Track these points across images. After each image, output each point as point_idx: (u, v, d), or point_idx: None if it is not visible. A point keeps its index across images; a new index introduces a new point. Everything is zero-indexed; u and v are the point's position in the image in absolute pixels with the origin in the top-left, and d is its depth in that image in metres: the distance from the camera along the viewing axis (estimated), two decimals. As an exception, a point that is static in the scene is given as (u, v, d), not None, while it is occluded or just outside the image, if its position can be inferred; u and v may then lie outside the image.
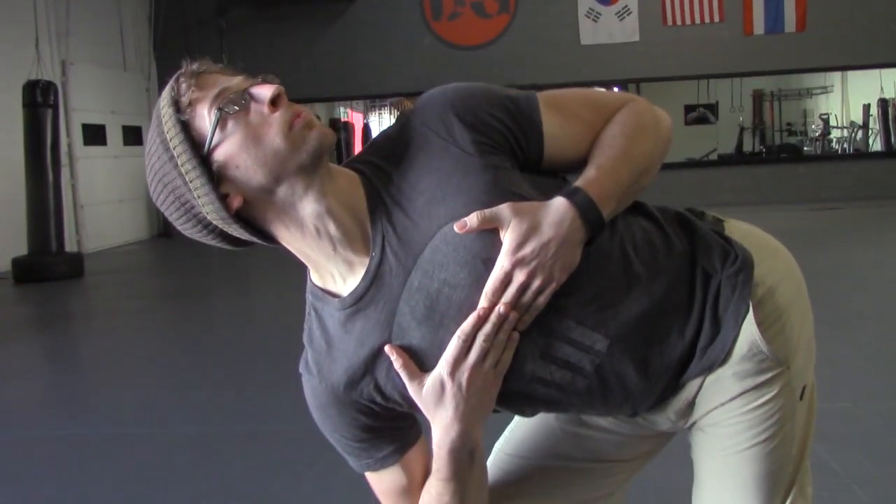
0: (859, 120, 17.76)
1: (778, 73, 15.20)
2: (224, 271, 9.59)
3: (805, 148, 18.84)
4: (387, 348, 1.16)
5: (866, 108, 17.19)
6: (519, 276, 1.12)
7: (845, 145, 18.07)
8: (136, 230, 13.04)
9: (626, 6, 13.40)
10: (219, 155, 1.10)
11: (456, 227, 1.11)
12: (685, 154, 14.86)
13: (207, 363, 5.17)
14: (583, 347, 1.18)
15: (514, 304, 1.12)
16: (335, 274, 1.19)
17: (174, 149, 1.11)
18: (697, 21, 13.30)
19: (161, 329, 6.51)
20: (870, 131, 17.41)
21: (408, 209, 1.15)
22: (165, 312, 7.22)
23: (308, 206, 1.13)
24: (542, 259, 1.12)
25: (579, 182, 1.17)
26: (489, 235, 1.12)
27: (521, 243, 1.11)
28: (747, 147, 18.69)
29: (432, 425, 1.20)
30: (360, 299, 1.17)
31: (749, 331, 1.23)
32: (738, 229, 1.35)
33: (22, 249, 9.17)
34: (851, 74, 17.63)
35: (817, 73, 18.02)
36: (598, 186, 1.16)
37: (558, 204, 1.14)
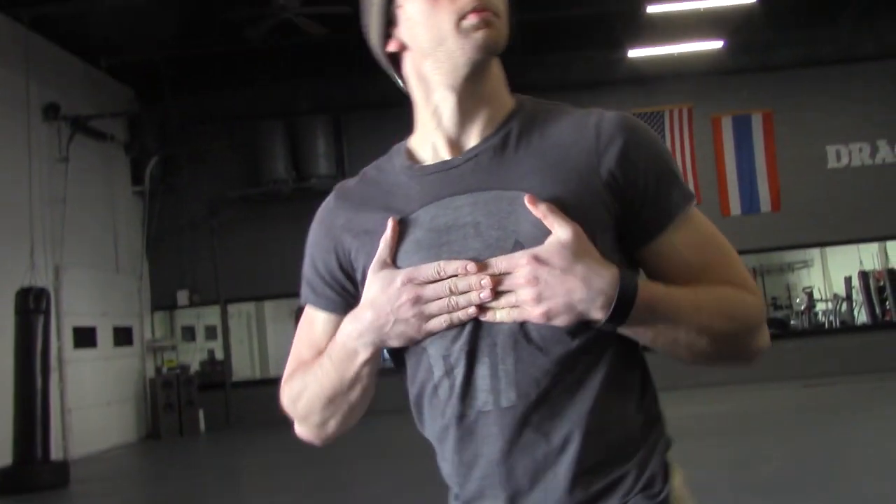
0: (842, 292, 17.99)
1: (757, 252, 15.54)
2: (214, 477, 9.32)
3: (792, 322, 18.97)
4: (390, 220, 1.21)
5: (848, 280, 17.46)
6: (520, 276, 1.12)
7: (831, 317, 18.20)
8: (124, 432, 12.78)
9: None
10: (400, 2, 1.21)
11: (527, 199, 1.14)
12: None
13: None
14: (494, 387, 1.16)
15: (497, 289, 1.13)
16: (424, 143, 1.28)
17: None
18: (676, 204, 13.70)
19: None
20: (854, 303, 17.61)
21: (520, 154, 1.20)
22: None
23: (441, 88, 1.23)
24: (550, 283, 1.10)
25: (643, 279, 1.17)
26: (541, 232, 1.13)
27: (553, 257, 1.11)
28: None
29: (356, 307, 1.24)
30: (423, 176, 1.24)
31: None
32: (680, 477, 1.24)
33: (6, 458, 8.93)
34: (830, 248, 18.03)
35: (797, 249, 18.42)
36: (651, 296, 1.13)
37: (611, 270, 1.12)
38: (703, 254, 1.22)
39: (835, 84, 13.98)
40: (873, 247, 16.66)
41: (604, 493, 1.17)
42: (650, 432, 1.22)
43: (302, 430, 1.37)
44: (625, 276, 1.12)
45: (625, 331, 1.15)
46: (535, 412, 1.15)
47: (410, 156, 1.28)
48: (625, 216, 1.18)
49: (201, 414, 13.50)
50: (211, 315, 15.51)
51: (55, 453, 9.76)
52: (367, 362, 1.24)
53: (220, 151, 14.20)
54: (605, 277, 1.11)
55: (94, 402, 11.94)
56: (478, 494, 1.22)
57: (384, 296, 1.17)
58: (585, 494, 1.16)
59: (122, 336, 13.12)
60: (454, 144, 1.24)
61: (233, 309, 15.42)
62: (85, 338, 12.05)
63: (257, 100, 14.28)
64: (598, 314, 1.11)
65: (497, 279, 1.13)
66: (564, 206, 1.14)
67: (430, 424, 1.26)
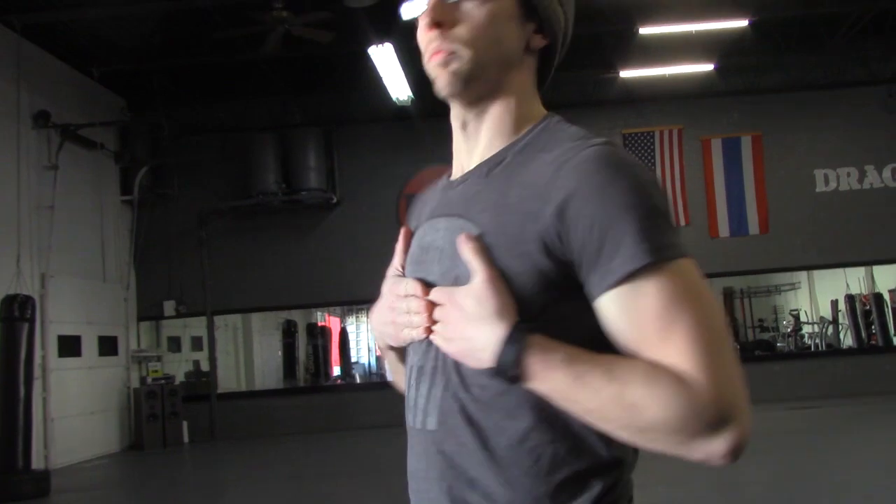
0: (828, 315, 18.08)
1: (745, 274, 15.60)
2: (197, 486, 9.25)
3: (778, 343, 19.03)
4: (402, 229, 1.33)
5: (834, 303, 17.54)
6: (439, 311, 1.15)
7: (817, 340, 18.28)
8: (107, 443, 12.68)
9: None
10: None
11: (461, 237, 1.14)
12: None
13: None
14: (424, 406, 1.21)
15: (430, 318, 1.16)
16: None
17: None
18: (664, 225, 13.75)
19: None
20: (840, 326, 17.69)
21: (495, 182, 1.19)
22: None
23: (452, 113, 1.28)
24: (454, 326, 1.12)
25: (542, 339, 1.06)
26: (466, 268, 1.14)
27: (463, 301, 1.10)
28: (722, 344, 18.82)
29: None
30: (437, 192, 1.34)
31: None
32: None
33: (-14, 467, 8.85)
34: (817, 272, 18.12)
35: (784, 272, 18.51)
36: (544, 361, 1.05)
37: (502, 324, 1.07)
38: (640, 326, 1.04)
39: (824, 108, 14.10)
40: (860, 271, 16.76)
41: None
42: (583, 485, 1.10)
43: None
44: (516, 333, 1.06)
45: (537, 390, 1.07)
46: (451, 444, 1.15)
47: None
48: (563, 269, 1.08)
49: (185, 425, 13.41)
50: (197, 326, 15.45)
51: (36, 462, 9.68)
52: (384, 353, 1.37)
53: (211, 163, 14.18)
54: (494, 332, 1.07)
55: (78, 411, 11.85)
56: (413, 500, 1.28)
57: (382, 298, 1.28)
58: None
59: (108, 345, 13.03)
60: (463, 166, 1.28)
61: (219, 320, 15.36)
62: (70, 346, 11.97)
63: (248, 112, 14.30)
64: (488, 364, 1.08)
65: (432, 308, 1.16)
66: (495, 248, 1.11)
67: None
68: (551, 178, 1.10)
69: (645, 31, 11.48)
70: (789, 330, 19.26)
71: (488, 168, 1.21)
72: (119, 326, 13.46)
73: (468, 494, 1.14)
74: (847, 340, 17.16)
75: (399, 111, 12.62)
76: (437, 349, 1.18)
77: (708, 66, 13.10)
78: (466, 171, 1.26)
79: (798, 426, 10.40)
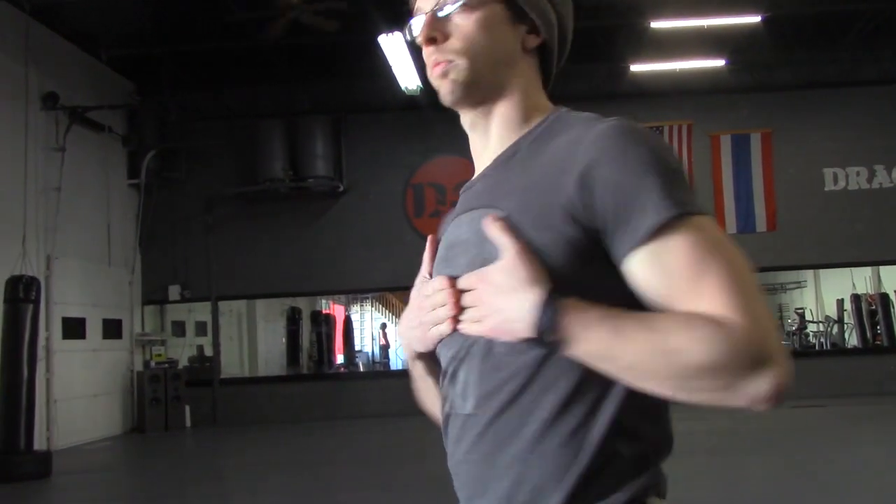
0: (834, 314, 18.04)
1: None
2: (198, 470, 9.28)
3: (783, 342, 19.03)
4: (430, 237, 1.34)
5: (840, 302, 17.50)
6: (469, 294, 1.16)
7: (822, 339, 18.25)
8: (110, 425, 12.72)
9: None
10: None
11: (484, 222, 1.16)
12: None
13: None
14: (463, 392, 1.21)
15: (457, 306, 1.17)
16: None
17: None
18: (671, 220, 13.72)
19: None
20: (845, 326, 17.65)
21: (514, 172, 1.23)
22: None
23: (463, 113, 1.32)
24: (486, 303, 1.14)
25: (576, 301, 1.07)
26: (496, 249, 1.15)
27: (493, 277, 1.13)
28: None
29: None
30: (460, 195, 1.35)
31: None
32: None
33: (-11, 447, 8.88)
34: (823, 271, 18.09)
35: (790, 270, 18.47)
36: (583, 321, 1.06)
37: (536, 291, 1.08)
38: (667, 283, 1.06)
39: (834, 107, 14.02)
40: (867, 270, 16.71)
41: None
42: (615, 464, 1.11)
43: None
44: (551, 298, 1.07)
45: (577, 355, 1.08)
46: (490, 425, 1.17)
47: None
48: (590, 236, 1.10)
49: (187, 410, 13.44)
50: (202, 311, 15.47)
51: (39, 443, 9.72)
52: (412, 362, 1.36)
53: (218, 148, 14.18)
54: (529, 298, 1.08)
55: (81, 393, 11.88)
56: (456, 488, 1.27)
57: (410, 304, 1.29)
58: None
59: (112, 328, 13.06)
60: (478, 166, 1.33)
61: (224, 306, 15.38)
62: (74, 329, 12.00)
63: (257, 98, 14.28)
64: (525, 334, 1.09)
65: (459, 296, 1.18)
66: (522, 225, 1.13)
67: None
68: (570, 154, 1.14)
69: (657, 25, 11.43)
70: (794, 328, 19.24)
71: (504, 159, 1.27)
72: (124, 310, 13.49)
73: (510, 472, 1.15)
74: (852, 340, 17.12)
75: (408, 100, 12.57)
76: (469, 338, 1.19)
77: (719, 62, 13.03)
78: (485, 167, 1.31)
79: (802, 424, 10.37)
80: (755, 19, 11.47)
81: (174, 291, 14.17)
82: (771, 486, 6.58)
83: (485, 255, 1.17)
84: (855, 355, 15.22)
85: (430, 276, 1.29)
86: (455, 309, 1.18)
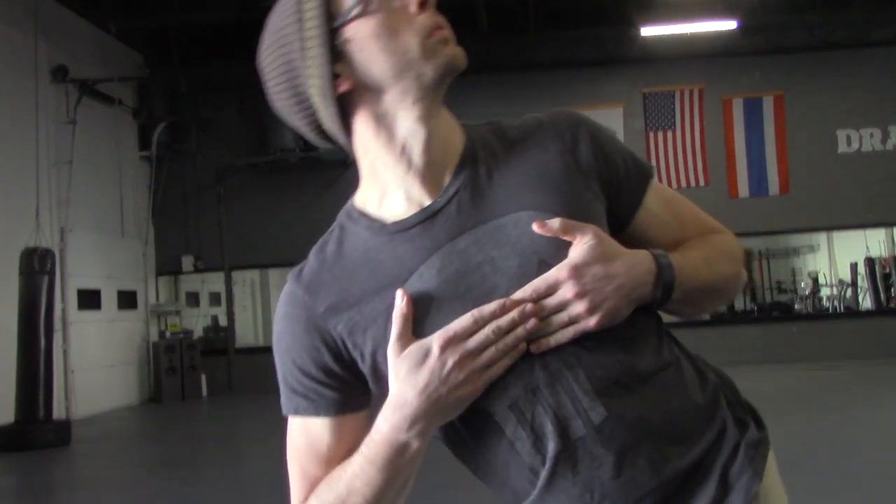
0: (847, 278, 17.97)
1: (764, 235, 15.50)
2: (214, 437, 9.39)
3: (796, 306, 18.97)
4: (399, 291, 1.06)
5: (853, 266, 17.43)
6: (567, 291, 1.04)
7: (835, 303, 18.21)
8: (126, 395, 12.87)
9: (613, 171, 13.85)
10: (348, 32, 1.08)
11: (535, 226, 1.06)
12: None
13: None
14: (578, 407, 1.05)
15: (545, 315, 1.04)
16: (388, 198, 1.15)
17: (306, 11, 1.09)
18: (683, 185, 13.68)
19: (148, 502, 6.31)
20: (859, 289, 17.60)
21: (496, 180, 1.13)
22: (153, 484, 7.02)
23: (408, 121, 1.10)
24: (598, 288, 1.05)
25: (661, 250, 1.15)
26: (560, 243, 1.07)
27: (589, 262, 1.05)
28: (739, 306, 18.82)
29: (389, 397, 1.06)
30: (403, 231, 1.11)
31: None
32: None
33: (8, 416, 9.02)
34: (836, 234, 18.01)
35: (803, 233, 18.40)
36: (677, 265, 1.13)
37: (641, 253, 1.12)
38: (675, 213, 1.24)
39: (848, 68, 13.88)
40: (880, 233, 16.61)
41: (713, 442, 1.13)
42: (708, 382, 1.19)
43: None
44: (652, 251, 1.13)
45: (678, 295, 1.14)
46: (627, 406, 1.07)
47: (370, 217, 1.16)
48: (610, 201, 1.17)
49: (203, 379, 13.58)
50: (215, 282, 15.56)
51: (58, 413, 9.85)
52: (419, 452, 1.09)
53: (229, 119, 14.17)
54: (641, 260, 1.10)
55: (98, 363, 12.02)
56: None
57: (424, 372, 1.03)
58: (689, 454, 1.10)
59: (127, 299, 13.18)
60: (431, 183, 1.12)
61: (237, 276, 15.46)
62: (89, 300, 12.12)
63: (267, 68, 14.23)
64: (651, 294, 1.10)
65: (538, 306, 1.05)
66: (568, 212, 1.09)
67: (514, 482, 1.12)
68: (558, 137, 1.17)
69: (667, -13, 11.31)
70: (807, 292, 19.19)
71: (473, 170, 1.13)
72: (138, 281, 13.59)
73: (665, 452, 1.08)
74: (866, 303, 17.08)
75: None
76: (530, 364, 1.06)
77: (731, 24, 12.89)
78: (441, 182, 1.13)
79: (815, 386, 10.41)
80: (767, -20, 11.33)
81: (187, 262, 14.26)
82: (785, 445, 6.62)
83: (538, 258, 1.07)
84: (869, 318, 15.19)
85: (404, 340, 1.05)
86: (537, 322, 1.04)
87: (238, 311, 15.45)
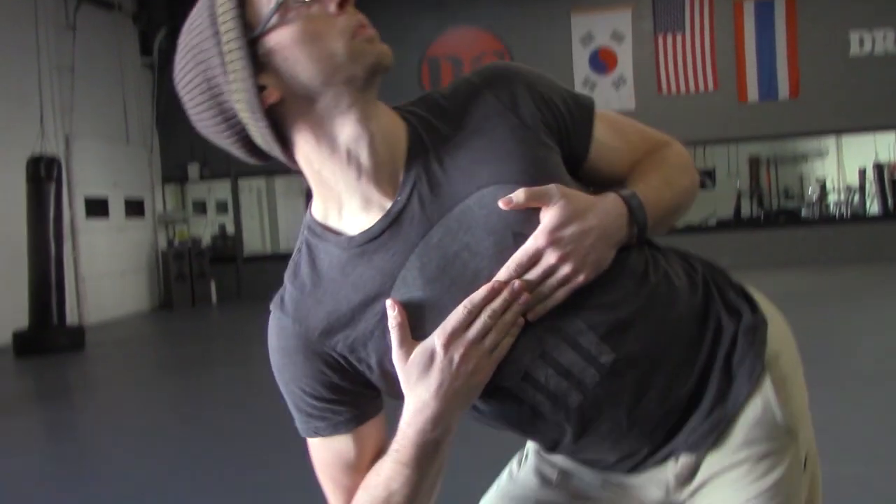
0: (855, 184, 17.89)
1: (773, 139, 15.38)
2: (225, 342, 9.55)
3: (803, 212, 18.95)
4: (388, 302, 1.06)
5: (862, 172, 17.32)
6: (549, 257, 1.05)
7: (843, 209, 18.18)
8: (137, 301, 13.04)
9: (621, 76, 13.64)
10: (269, 41, 1.02)
11: (501, 203, 1.05)
12: (683, 220, 14.89)
13: (209, 437, 5.12)
14: (587, 356, 1.08)
15: (534, 286, 1.05)
16: (346, 207, 1.10)
17: (222, 24, 1.03)
18: (692, 90, 13.51)
19: (162, 402, 6.46)
20: (867, 195, 17.54)
21: (448, 164, 1.09)
22: (167, 385, 7.18)
23: (347, 126, 1.06)
24: (578, 246, 1.05)
25: (623, 188, 1.17)
26: (530, 212, 1.06)
27: (563, 224, 1.05)
28: (745, 212, 18.80)
29: (406, 401, 1.08)
30: (372, 241, 1.08)
31: (764, 391, 1.17)
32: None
33: (23, 322, 9.16)
34: (846, 139, 17.84)
35: (812, 138, 18.24)
36: (644, 197, 1.15)
37: (610, 198, 1.12)
38: (623, 137, 1.24)
39: (864, -33, 13.50)
40: (890, 139, 16.45)
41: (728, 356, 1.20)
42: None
43: None
44: (619, 192, 1.14)
45: (648, 222, 1.17)
46: (630, 342, 1.10)
47: (334, 231, 1.12)
48: (562, 146, 1.16)
49: (213, 285, 13.74)
50: (222, 190, 15.56)
51: (70, 319, 10.00)
52: (449, 443, 1.11)
53: (230, 23, 13.91)
54: (612, 206, 1.11)
55: (108, 271, 12.14)
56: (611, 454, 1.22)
57: (434, 373, 1.04)
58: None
59: (134, 208, 13.22)
60: (386, 183, 1.09)
61: (243, 184, 15.45)
62: (97, 208, 12.16)
63: (268, -30, 13.92)
64: (628, 235, 1.12)
65: (526, 280, 1.05)
66: (527, 176, 1.08)
67: (544, 435, 1.18)
68: (494, 99, 1.13)
69: None
70: (815, 198, 19.14)
71: (423, 159, 1.10)
72: (145, 189, 13.60)
73: (705, 347, 1.18)
74: (873, 209, 17.05)
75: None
76: (533, 332, 1.07)
77: (744, -79, 12.51)
78: (396, 179, 1.09)
79: (818, 287, 10.48)
80: None
81: (193, 169, 14.24)
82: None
83: (512, 231, 1.06)
84: (875, 222, 15.19)
85: (406, 345, 1.06)
86: (529, 295, 1.05)
87: (245, 219, 15.50)
